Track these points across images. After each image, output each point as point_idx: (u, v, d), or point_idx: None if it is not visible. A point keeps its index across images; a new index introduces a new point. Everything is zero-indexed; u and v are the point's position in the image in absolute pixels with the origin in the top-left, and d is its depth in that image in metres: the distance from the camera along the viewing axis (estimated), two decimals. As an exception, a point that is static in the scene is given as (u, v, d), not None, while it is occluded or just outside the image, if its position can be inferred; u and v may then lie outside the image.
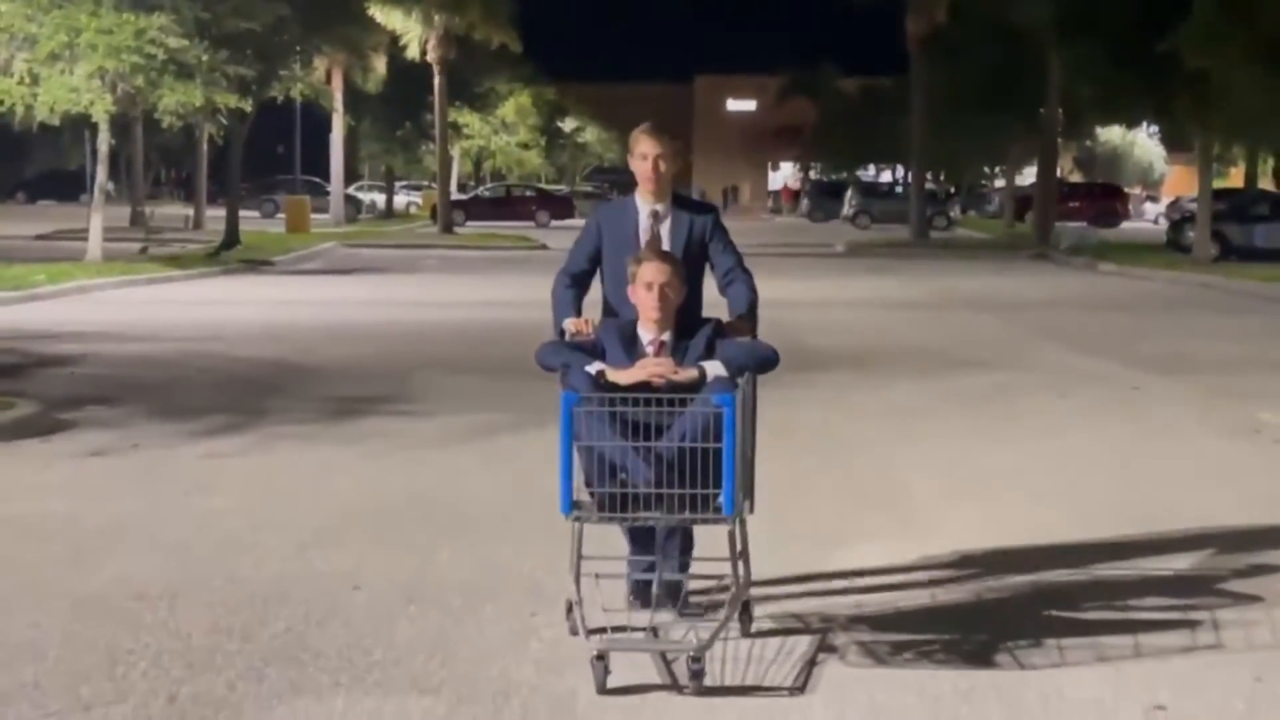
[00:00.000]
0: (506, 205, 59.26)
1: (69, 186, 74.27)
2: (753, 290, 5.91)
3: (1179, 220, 40.64)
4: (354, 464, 9.38)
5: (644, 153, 5.93)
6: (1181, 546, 7.37)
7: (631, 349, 5.60)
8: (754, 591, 5.86)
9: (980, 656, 5.58)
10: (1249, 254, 32.69)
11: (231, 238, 35.28)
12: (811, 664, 5.41)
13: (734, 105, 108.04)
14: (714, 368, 5.43)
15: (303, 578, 6.64)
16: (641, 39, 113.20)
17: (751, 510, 5.68)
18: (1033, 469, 9.51)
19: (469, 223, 53.49)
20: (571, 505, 5.32)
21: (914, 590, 6.45)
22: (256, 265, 31.36)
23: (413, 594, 6.37)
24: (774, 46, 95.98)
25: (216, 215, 44.02)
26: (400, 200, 69.20)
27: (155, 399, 11.87)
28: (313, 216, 48.08)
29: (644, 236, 5.92)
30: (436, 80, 48.22)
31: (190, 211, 48.97)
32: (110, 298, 22.72)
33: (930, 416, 11.61)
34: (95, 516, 7.85)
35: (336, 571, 6.75)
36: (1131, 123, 50.72)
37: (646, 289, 5.60)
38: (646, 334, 5.64)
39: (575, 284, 5.97)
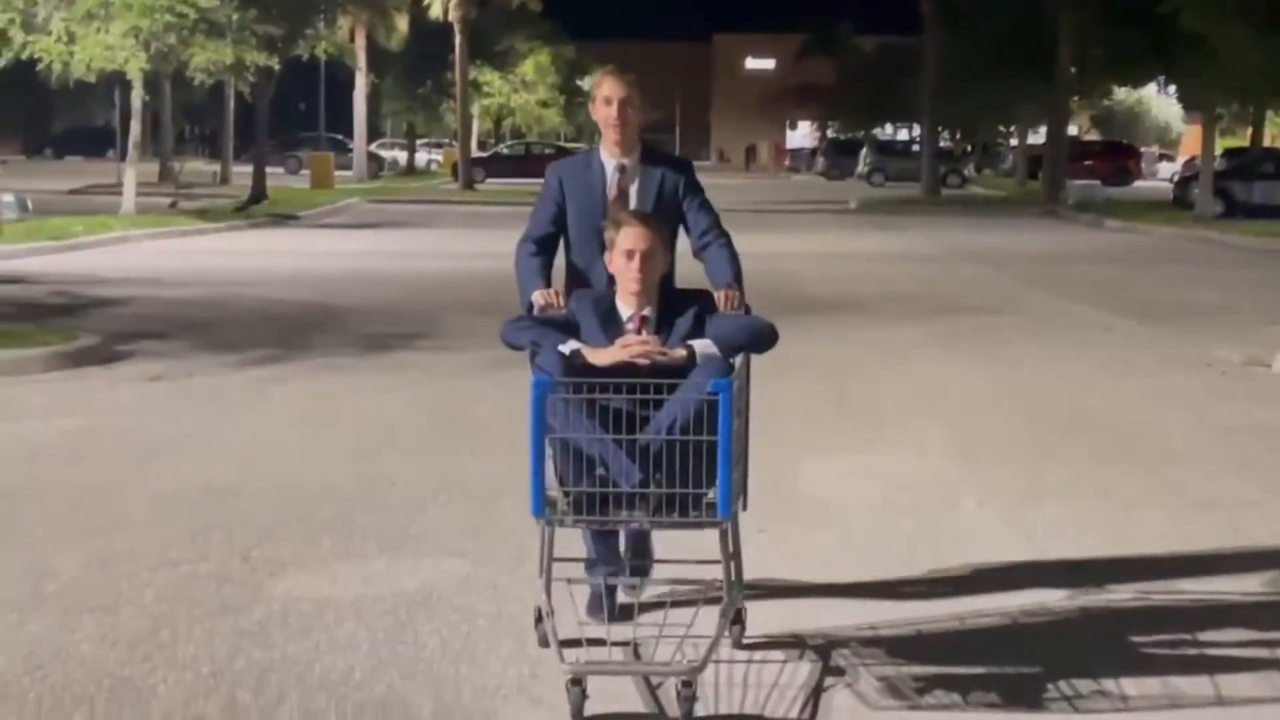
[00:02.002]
0: (526, 162, 60.03)
1: (94, 142, 75.48)
2: (735, 255, 5.29)
3: (1185, 178, 41.41)
4: (389, 389, 10.44)
5: (608, 96, 5.28)
6: (1243, 565, 6.23)
7: (609, 325, 4.95)
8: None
9: (1024, 696, 4.75)
10: (1253, 211, 33.46)
11: (258, 192, 36.24)
12: (818, 692, 4.76)
13: (752, 64, 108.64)
14: (704, 347, 4.78)
15: (347, 477, 7.69)
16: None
17: (745, 507, 4.96)
18: (996, 391, 10.61)
19: (489, 179, 54.41)
20: (544, 505, 4.64)
21: (933, 603, 5.65)
22: (283, 219, 32.33)
23: (442, 489, 7.41)
24: (792, 5, 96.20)
25: (240, 171, 45.10)
26: (421, 158, 70.20)
27: (203, 335, 12.92)
28: (336, 173, 49.05)
29: (611, 194, 5.31)
30: (458, 39, 49.14)
31: (216, 167, 50.04)
32: (146, 248, 23.72)
33: (912, 350, 12.64)
34: (161, 429, 8.93)
35: (376, 473, 7.79)
36: (1137, 82, 51.37)
37: (626, 258, 4.95)
38: (626, 308, 5.00)
39: (540, 250, 5.34)
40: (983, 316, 15.24)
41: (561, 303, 5.08)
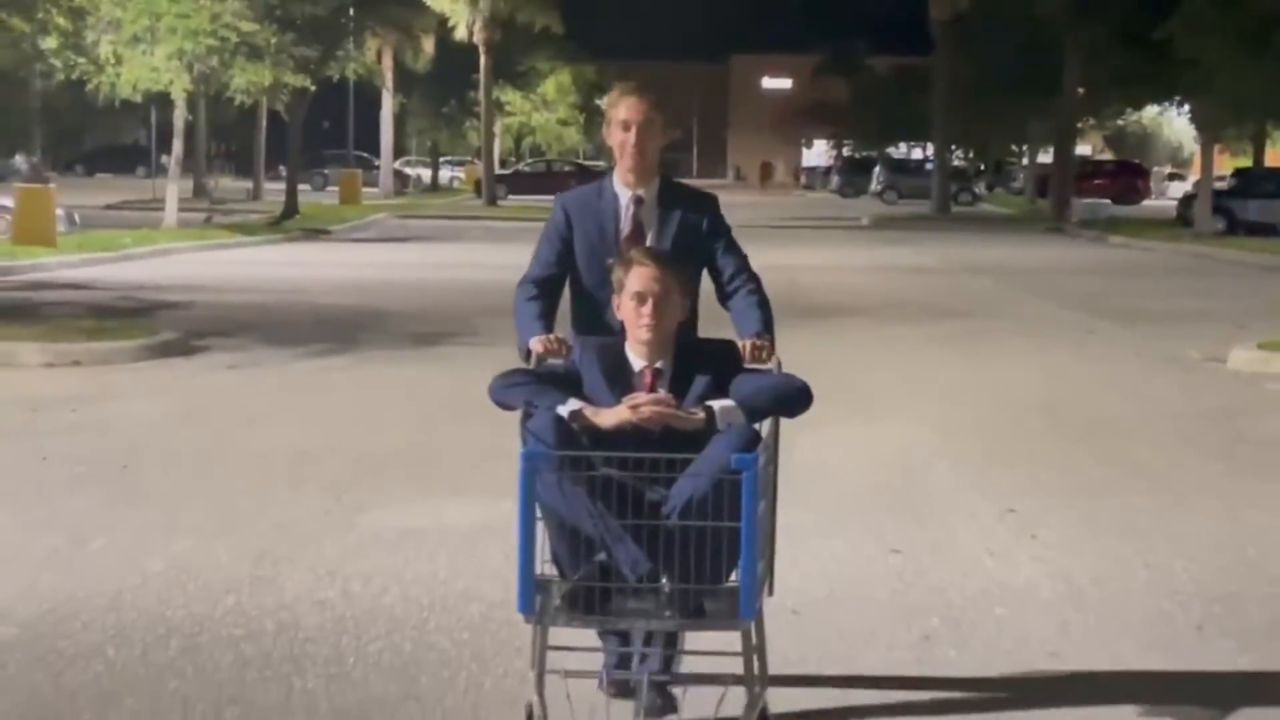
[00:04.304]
0: (547, 180, 61.44)
1: (124, 160, 77.33)
2: (766, 302, 4.68)
3: (1189, 196, 42.62)
4: (436, 376, 11.80)
5: (625, 120, 4.66)
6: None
7: (618, 379, 4.34)
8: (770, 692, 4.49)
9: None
10: (1255, 228, 34.59)
11: (291, 208, 37.63)
12: None
13: (769, 84, 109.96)
14: (726, 410, 4.20)
15: (410, 443, 9.03)
16: (679, 18, 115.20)
17: (771, 592, 4.36)
18: (978, 381, 11.96)
19: (510, 196, 55.87)
20: (532, 598, 3.99)
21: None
22: (315, 233, 33.68)
23: (491, 453, 8.61)
24: (809, 25, 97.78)
25: (270, 188, 46.58)
26: (443, 175, 71.80)
27: (264, 333, 14.28)
28: (363, 189, 50.51)
29: (626, 229, 4.70)
30: (482, 60, 50.67)
31: (244, 183, 51.58)
32: (190, 259, 25.07)
33: (907, 348, 14.00)
34: (246, 406, 10.31)
35: (433, 441, 9.13)
36: (1140, 104, 52.71)
37: (636, 302, 4.33)
38: (636, 360, 4.39)
39: (542, 293, 4.72)
40: (977, 320, 16.55)
41: (564, 351, 4.45)
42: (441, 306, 17.39)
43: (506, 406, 4.32)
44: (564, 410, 4.17)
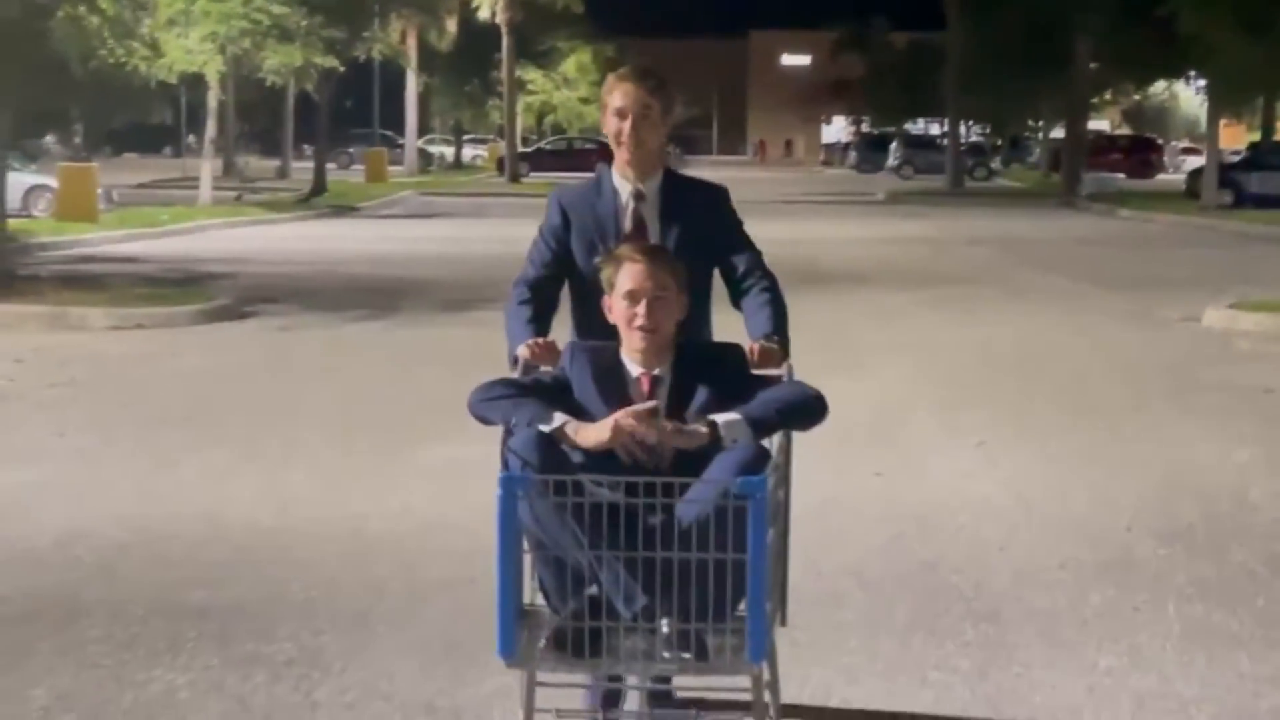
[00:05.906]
0: (568, 157, 62.39)
1: (150, 140, 78.74)
2: (780, 300, 4.34)
3: (1197, 171, 43.43)
4: (470, 336, 12.77)
5: (620, 108, 4.27)
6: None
7: (612, 387, 3.96)
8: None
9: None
10: (1261, 201, 35.35)
11: (319, 186, 38.72)
12: None
13: (788, 60, 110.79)
14: (730, 425, 3.74)
15: (452, 393, 9.98)
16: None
17: (783, 623, 3.95)
18: (960, 338, 13.04)
19: (533, 173, 56.92)
20: (515, 642, 3.60)
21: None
22: (344, 210, 34.77)
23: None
24: (827, 2, 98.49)
25: (297, 166, 47.68)
26: (466, 153, 72.97)
27: (307, 300, 15.38)
28: (388, 168, 51.62)
29: (627, 227, 4.33)
30: (504, 40, 51.71)
31: (275, 163, 52.73)
32: (227, 234, 26.19)
33: (900, 310, 15.07)
34: (299, 362, 11.44)
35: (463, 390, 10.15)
36: (1148, 80, 53.51)
37: (628, 301, 3.96)
38: (633, 366, 4.00)
39: (536, 296, 4.34)
40: (971, 286, 17.56)
41: (552, 357, 4.12)
42: (471, 277, 18.43)
43: (487, 422, 3.95)
44: (548, 427, 3.72)
